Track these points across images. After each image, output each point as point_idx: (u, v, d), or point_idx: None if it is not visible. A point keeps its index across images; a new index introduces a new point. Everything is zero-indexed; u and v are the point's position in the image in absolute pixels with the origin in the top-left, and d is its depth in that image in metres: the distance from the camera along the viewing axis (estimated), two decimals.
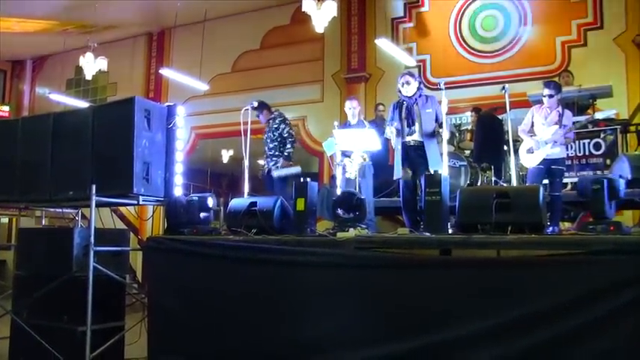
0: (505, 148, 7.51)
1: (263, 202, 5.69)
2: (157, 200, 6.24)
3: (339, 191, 6.38)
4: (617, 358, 3.64)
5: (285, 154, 7.84)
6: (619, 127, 7.43)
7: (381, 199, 8.02)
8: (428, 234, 4.76)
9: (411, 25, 11.46)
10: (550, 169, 6.19)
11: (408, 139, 6.10)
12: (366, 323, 4.44)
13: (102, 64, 12.68)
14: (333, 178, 7.43)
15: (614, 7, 9.64)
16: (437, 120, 6.07)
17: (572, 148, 7.30)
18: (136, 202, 6.09)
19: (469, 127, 8.89)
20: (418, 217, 5.98)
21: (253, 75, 12.82)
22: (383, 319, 4.39)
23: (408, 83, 6.13)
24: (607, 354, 3.64)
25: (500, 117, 8.06)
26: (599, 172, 7.07)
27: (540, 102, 6.57)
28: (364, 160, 6.75)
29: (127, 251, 6.66)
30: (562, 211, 6.39)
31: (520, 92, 8.10)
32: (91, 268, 5.54)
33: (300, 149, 8.66)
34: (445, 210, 5.07)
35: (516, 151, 6.40)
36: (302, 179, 5.76)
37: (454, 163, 7.82)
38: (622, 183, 4.62)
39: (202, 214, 6.08)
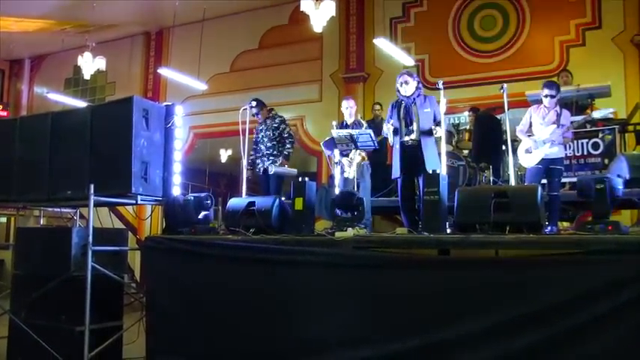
0: (503, 147, 7.52)
1: (261, 201, 5.70)
2: (156, 200, 6.24)
3: (337, 191, 6.39)
4: (618, 358, 3.64)
5: (285, 153, 7.87)
6: (617, 126, 7.43)
7: (380, 198, 8.03)
8: (426, 234, 4.76)
9: (409, 24, 11.47)
10: (548, 168, 6.20)
11: (406, 138, 6.10)
12: (364, 323, 4.45)
13: (100, 63, 12.68)
14: (331, 177, 7.43)
15: (612, 6, 9.65)
16: (435, 120, 6.07)
17: (570, 147, 7.31)
18: (134, 201, 6.09)
19: (467, 127, 8.90)
20: (416, 217, 5.98)
21: (252, 75, 12.82)
22: (381, 319, 4.39)
23: (406, 83, 6.12)
24: (607, 354, 3.65)
25: (498, 117, 8.07)
26: (597, 172, 7.07)
27: (538, 102, 6.57)
28: (362, 159, 6.77)
29: (126, 251, 6.66)
30: (560, 211, 6.38)
31: (518, 92, 8.10)
32: (89, 267, 5.54)
33: (298, 149, 8.67)
34: (443, 210, 5.08)
35: (515, 151, 6.40)
36: (300, 179, 5.77)
37: (452, 163, 7.83)
38: (620, 182, 4.62)
39: (201, 214, 6.08)
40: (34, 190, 6.32)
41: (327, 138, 6.89)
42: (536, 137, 6.28)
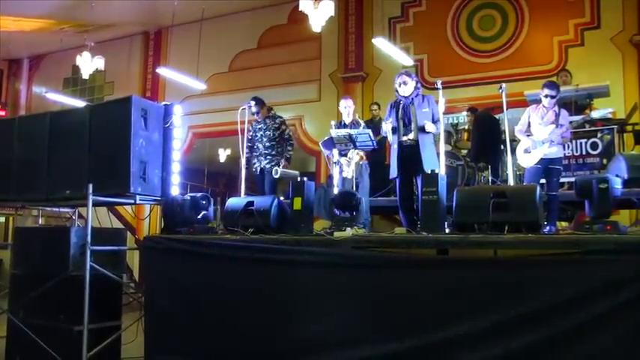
0: (502, 147, 7.52)
1: (260, 201, 5.70)
2: (154, 199, 6.24)
3: (336, 190, 6.38)
4: (616, 358, 3.64)
5: (287, 155, 7.85)
6: (616, 126, 7.44)
7: (378, 198, 8.03)
8: (425, 233, 4.76)
9: (408, 24, 11.47)
10: (547, 168, 6.20)
11: (404, 138, 6.10)
12: (363, 323, 4.45)
13: (99, 63, 12.67)
14: (330, 177, 7.42)
15: (611, 6, 9.66)
16: (433, 119, 6.07)
17: (569, 147, 7.31)
18: (132, 201, 6.09)
19: (466, 127, 8.90)
20: (415, 217, 5.98)
21: (250, 74, 12.82)
22: (380, 319, 4.39)
23: (405, 83, 6.12)
24: (605, 353, 3.65)
25: (497, 116, 8.07)
26: (595, 172, 7.08)
27: (537, 101, 6.57)
28: (361, 159, 6.76)
29: (124, 250, 6.66)
30: (559, 211, 6.39)
31: (517, 92, 8.10)
32: (88, 267, 5.54)
33: (297, 149, 8.66)
34: (442, 209, 5.08)
35: (513, 151, 6.40)
36: (299, 178, 5.77)
37: (451, 163, 7.83)
38: (619, 182, 4.62)
39: (201, 214, 6.08)
40: (33, 190, 6.32)
41: (326, 138, 6.89)
42: (535, 137, 6.28)
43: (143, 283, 6.17)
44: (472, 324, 4.00)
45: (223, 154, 13.84)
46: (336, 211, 5.54)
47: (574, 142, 7.35)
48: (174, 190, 6.22)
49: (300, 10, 8.92)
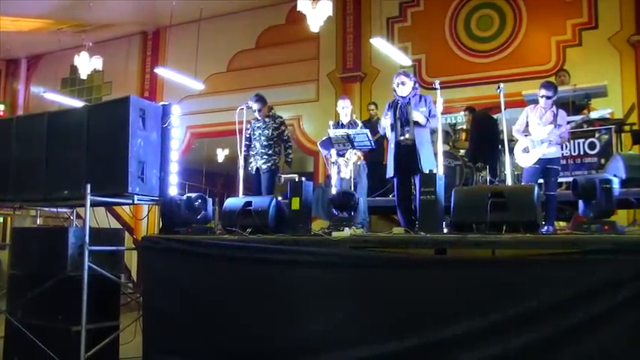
0: (500, 147, 7.52)
1: (258, 201, 5.70)
2: (152, 199, 6.24)
3: (334, 190, 6.38)
4: (614, 357, 3.65)
5: (289, 160, 7.78)
6: (613, 126, 7.45)
7: (376, 198, 8.03)
8: (423, 233, 4.76)
9: (406, 24, 11.48)
10: (545, 168, 6.20)
11: (401, 138, 6.10)
12: (361, 323, 4.45)
13: (97, 63, 12.68)
14: (328, 177, 7.42)
15: (608, 6, 9.68)
16: (429, 116, 6.07)
17: (567, 147, 7.33)
18: (131, 201, 6.08)
19: (464, 127, 8.91)
20: (413, 217, 5.98)
21: (248, 74, 12.81)
22: (378, 319, 4.39)
23: (403, 84, 6.12)
24: (604, 353, 3.65)
25: (495, 116, 8.08)
26: (593, 172, 7.09)
27: (535, 102, 6.58)
28: (359, 159, 6.76)
29: (122, 251, 6.65)
30: (557, 211, 6.39)
31: (515, 92, 8.11)
32: (86, 267, 5.54)
33: (295, 149, 8.65)
34: (440, 209, 5.08)
35: (511, 151, 6.41)
36: (297, 178, 5.77)
37: (449, 163, 7.84)
38: (617, 182, 4.63)
39: (200, 214, 6.08)
40: (31, 190, 6.31)
41: (324, 138, 6.88)
42: (534, 137, 6.28)
43: (141, 284, 6.17)
44: (470, 324, 4.00)
45: (221, 154, 13.85)
46: (334, 211, 5.54)
47: (572, 142, 7.37)
48: (173, 190, 6.22)
49: (298, 10, 8.92)
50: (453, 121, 9.56)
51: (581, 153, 7.43)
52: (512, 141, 6.71)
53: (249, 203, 5.68)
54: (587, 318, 3.68)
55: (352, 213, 5.49)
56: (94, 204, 5.91)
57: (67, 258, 5.71)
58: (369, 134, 6.46)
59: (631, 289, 3.59)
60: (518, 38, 10.37)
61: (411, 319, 4.26)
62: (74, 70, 13.57)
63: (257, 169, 7.60)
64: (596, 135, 7.37)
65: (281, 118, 7.94)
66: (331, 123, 7.12)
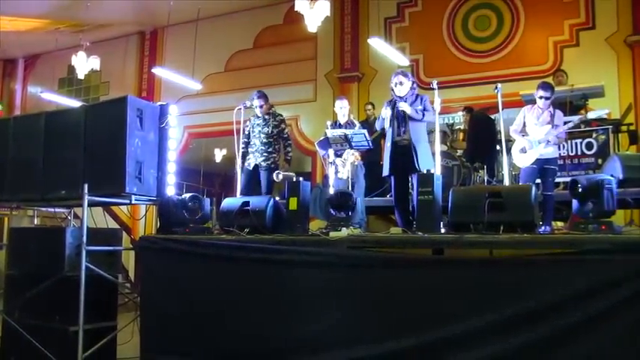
0: (497, 147, 7.53)
1: (256, 201, 5.70)
2: (150, 199, 6.23)
3: (331, 191, 6.39)
4: (612, 357, 3.66)
5: (288, 158, 7.77)
6: (611, 126, 7.47)
7: (374, 198, 8.04)
8: (420, 233, 4.77)
9: (404, 24, 11.48)
10: (543, 168, 6.21)
11: (398, 138, 6.10)
12: (359, 322, 4.45)
13: (94, 63, 12.63)
14: (325, 177, 7.41)
15: (606, 7, 9.68)
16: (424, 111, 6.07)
17: (564, 147, 7.34)
18: (128, 201, 6.06)
19: (462, 127, 8.92)
20: (411, 217, 5.98)
21: (246, 74, 12.79)
22: (376, 319, 4.40)
23: (401, 84, 6.13)
24: (602, 352, 3.66)
25: (492, 116, 8.08)
26: (591, 172, 7.10)
27: (532, 102, 6.59)
28: (356, 159, 6.77)
29: (120, 251, 6.64)
30: (554, 211, 6.40)
31: (513, 92, 8.12)
32: (84, 267, 5.53)
33: (293, 149, 8.63)
34: (437, 209, 5.09)
35: (509, 151, 6.42)
36: (295, 178, 5.78)
37: (447, 163, 7.84)
38: (614, 182, 4.64)
39: (199, 214, 6.07)
40: (28, 190, 6.31)
41: (322, 138, 6.88)
42: (531, 137, 6.29)
43: (139, 284, 6.16)
44: (468, 324, 4.01)
45: (219, 154, 13.83)
46: (332, 211, 5.54)
47: (569, 142, 7.38)
48: (170, 190, 6.21)
49: (295, 10, 8.90)
50: (451, 121, 9.57)
51: (579, 153, 7.44)
52: (509, 141, 6.72)
53: (246, 203, 5.68)
54: (584, 318, 3.69)
55: (350, 213, 5.49)
56: (91, 204, 5.91)
57: (65, 258, 5.70)
58: (367, 134, 6.47)
59: (628, 288, 3.60)
60: (516, 38, 10.37)
61: (409, 319, 4.27)
62: (71, 70, 13.53)
63: (255, 165, 7.57)
64: (594, 135, 7.39)
65: (281, 116, 7.92)
66: (329, 123, 7.13)
